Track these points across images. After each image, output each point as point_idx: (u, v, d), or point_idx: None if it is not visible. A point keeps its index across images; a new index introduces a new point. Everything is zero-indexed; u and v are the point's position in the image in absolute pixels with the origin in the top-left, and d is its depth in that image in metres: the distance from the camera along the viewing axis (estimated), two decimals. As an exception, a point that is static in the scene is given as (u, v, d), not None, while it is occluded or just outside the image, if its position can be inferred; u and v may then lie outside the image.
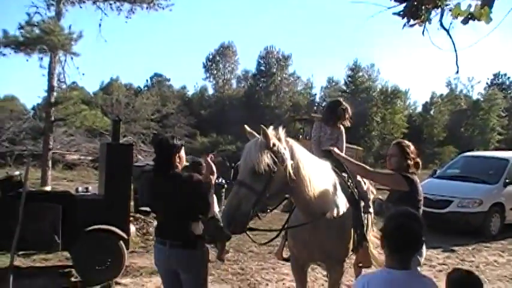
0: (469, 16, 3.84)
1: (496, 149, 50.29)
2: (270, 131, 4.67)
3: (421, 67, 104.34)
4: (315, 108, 61.07)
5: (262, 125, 4.67)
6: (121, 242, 8.11)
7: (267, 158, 4.56)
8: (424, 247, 4.74)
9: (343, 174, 5.81)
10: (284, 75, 66.56)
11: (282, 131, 4.78)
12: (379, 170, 5.72)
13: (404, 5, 3.92)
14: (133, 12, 15.95)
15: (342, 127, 6.64)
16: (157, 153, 5.04)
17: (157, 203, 5.05)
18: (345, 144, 6.59)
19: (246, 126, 4.92)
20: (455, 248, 11.59)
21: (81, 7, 16.22)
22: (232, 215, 4.36)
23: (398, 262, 3.11)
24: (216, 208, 7.93)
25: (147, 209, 12.73)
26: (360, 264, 6.27)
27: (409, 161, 5.23)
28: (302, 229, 5.17)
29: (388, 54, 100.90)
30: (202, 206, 4.89)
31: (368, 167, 5.57)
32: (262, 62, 65.77)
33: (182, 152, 5.11)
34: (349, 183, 5.78)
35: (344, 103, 6.76)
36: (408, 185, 5.05)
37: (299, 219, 5.21)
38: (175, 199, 4.77)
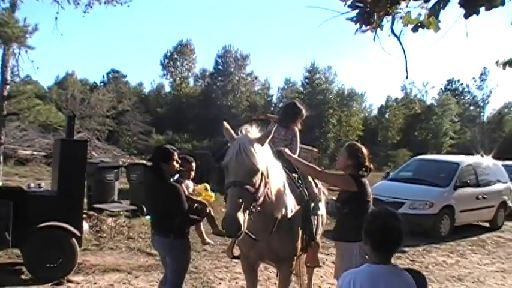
0: (419, 24, 3.96)
1: (448, 153, 51.44)
2: (251, 128, 4.77)
3: (377, 71, 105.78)
4: (272, 108, 61.24)
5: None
6: (73, 239, 8.00)
7: (262, 156, 4.65)
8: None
9: (293, 174, 5.85)
10: (242, 74, 66.70)
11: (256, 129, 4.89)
12: (329, 172, 5.81)
13: (357, 11, 4.00)
14: (91, 7, 15.66)
15: (296, 129, 6.64)
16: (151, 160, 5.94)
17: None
18: (298, 146, 6.58)
19: (225, 123, 4.94)
20: (406, 249, 11.78)
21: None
22: (238, 219, 4.36)
23: (382, 258, 3.25)
24: None
25: (100, 206, 12.65)
26: (308, 264, 6.32)
27: (358, 164, 5.31)
28: (250, 228, 5.18)
29: (345, 57, 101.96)
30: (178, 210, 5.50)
31: (318, 168, 5.66)
32: (220, 61, 65.80)
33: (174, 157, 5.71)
34: (298, 184, 5.83)
35: (299, 105, 6.82)
36: (357, 185, 5.14)
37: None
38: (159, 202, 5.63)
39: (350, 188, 5.19)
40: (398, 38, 4.14)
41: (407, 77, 4.36)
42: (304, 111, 6.74)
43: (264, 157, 4.77)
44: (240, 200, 4.41)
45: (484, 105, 74.65)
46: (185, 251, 5.74)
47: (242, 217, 4.40)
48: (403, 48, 4.14)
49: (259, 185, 4.65)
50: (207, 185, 6.59)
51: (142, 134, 51.46)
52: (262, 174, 4.69)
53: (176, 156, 5.71)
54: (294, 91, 66.07)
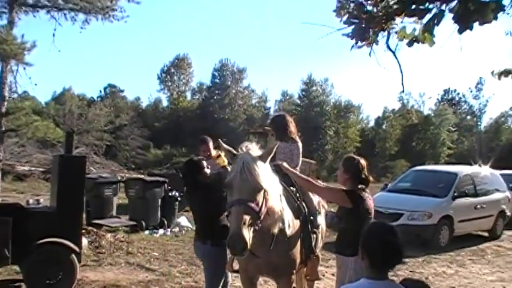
0: (414, 39, 4.01)
1: (446, 163, 51.43)
2: (251, 145, 4.81)
3: (374, 82, 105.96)
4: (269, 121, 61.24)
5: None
6: (73, 255, 7.99)
7: (265, 174, 4.71)
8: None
9: (291, 188, 5.85)
10: (239, 88, 66.77)
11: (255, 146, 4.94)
12: (325, 185, 5.78)
13: (352, 27, 4.05)
14: (88, 23, 15.72)
15: (298, 140, 6.62)
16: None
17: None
18: (300, 158, 6.58)
19: (221, 141, 4.98)
20: (406, 260, 11.73)
21: (34, 16, 15.93)
22: (244, 237, 4.38)
23: (380, 273, 3.21)
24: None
25: (99, 221, 12.64)
26: (308, 277, 6.33)
27: (355, 177, 5.29)
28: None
29: (341, 70, 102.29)
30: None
31: (315, 182, 5.62)
32: (217, 74, 65.96)
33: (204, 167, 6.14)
34: (296, 197, 5.83)
35: (287, 116, 6.86)
36: (351, 201, 5.11)
37: None
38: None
39: (345, 204, 5.19)
40: (393, 52, 4.19)
41: (403, 91, 4.43)
42: (292, 121, 6.75)
43: (266, 175, 4.82)
44: (246, 218, 4.44)
45: (481, 114, 74.90)
46: (221, 259, 5.96)
47: (248, 235, 4.43)
48: (398, 63, 4.18)
49: (263, 202, 4.68)
50: (218, 151, 6.77)
51: (140, 148, 51.45)
52: (265, 191, 4.72)
53: (205, 164, 6.15)
54: (291, 103, 66.22)
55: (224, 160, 6.39)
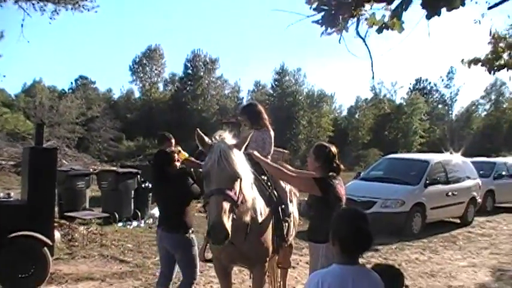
0: (383, 26, 4.03)
1: (418, 151, 52.02)
2: (225, 134, 4.84)
3: (346, 72, 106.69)
4: (242, 111, 61.20)
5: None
6: (45, 248, 7.89)
7: (241, 162, 4.71)
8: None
9: (263, 176, 5.83)
10: (211, 78, 66.68)
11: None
12: (296, 174, 5.75)
13: (322, 14, 4.05)
14: (58, 13, 15.52)
15: (270, 129, 6.57)
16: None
17: None
18: (272, 146, 6.50)
19: (198, 130, 4.93)
20: (379, 247, 11.85)
21: (1, 6, 15.73)
22: (224, 227, 4.36)
23: (350, 259, 3.23)
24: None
25: (72, 214, 12.54)
26: (280, 265, 6.34)
27: (326, 164, 5.27)
28: None
29: (313, 59, 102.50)
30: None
31: (285, 171, 5.58)
32: (189, 65, 65.68)
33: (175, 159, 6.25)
34: (268, 185, 5.83)
35: (258, 105, 6.86)
36: (321, 189, 5.09)
37: None
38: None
39: (313, 192, 5.17)
40: (363, 39, 4.21)
41: (373, 78, 4.43)
42: (262, 109, 6.76)
43: (242, 163, 4.82)
44: (226, 207, 4.43)
45: (452, 103, 76.06)
46: (193, 248, 6.14)
47: (228, 223, 4.42)
48: (368, 50, 4.20)
49: (239, 191, 4.68)
50: (179, 148, 6.87)
51: (113, 140, 51.15)
52: (240, 180, 4.72)
53: (176, 157, 6.25)
54: (264, 93, 66.26)
55: (184, 154, 6.54)
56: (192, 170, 6.37)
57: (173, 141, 7.18)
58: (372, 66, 4.32)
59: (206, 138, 4.87)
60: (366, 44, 4.21)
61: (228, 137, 4.96)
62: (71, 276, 8.71)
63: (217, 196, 4.48)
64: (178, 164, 6.26)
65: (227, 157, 4.61)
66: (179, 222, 6.01)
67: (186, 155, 6.60)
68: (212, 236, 4.45)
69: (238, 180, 4.69)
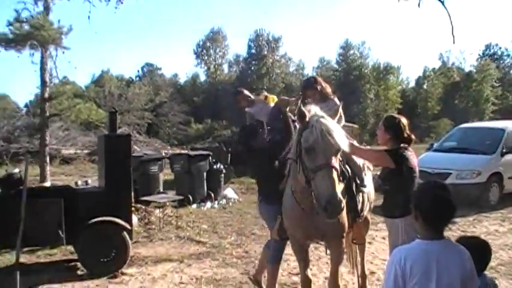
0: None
1: (491, 119, 50.41)
2: (316, 108, 4.96)
3: (412, 42, 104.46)
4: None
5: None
6: (124, 232, 8.11)
7: (342, 134, 4.76)
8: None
9: None
10: (275, 57, 66.28)
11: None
12: (366, 147, 5.65)
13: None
14: (122, 2, 15.77)
15: (335, 98, 6.53)
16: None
17: None
18: (343, 118, 6.38)
19: (301, 106, 4.91)
20: (456, 220, 11.55)
21: (68, 0, 16.08)
22: (341, 199, 4.44)
23: (435, 233, 3.13)
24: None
25: (147, 198, 12.81)
26: (355, 241, 6.28)
27: (397, 136, 5.18)
28: (294, 209, 5.26)
29: (378, 32, 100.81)
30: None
31: (356, 144, 5.50)
32: (252, 45, 65.51)
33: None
34: (340, 160, 5.75)
35: (317, 77, 6.85)
36: (394, 161, 5.00)
37: (291, 200, 5.30)
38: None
39: (387, 164, 5.09)
40: (442, 3, 4.09)
41: (454, 42, 4.30)
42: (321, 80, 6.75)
43: (341, 135, 4.78)
44: (336, 179, 4.48)
45: (525, 67, 72.98)
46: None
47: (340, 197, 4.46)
48: (448, 13, 4.08)
49: (338, 162, 4.75)
50: (265, 93, 7.21)
51: (182, 124, 51.76)
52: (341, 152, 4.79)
53: (259, 129, 6.20)
54: (329, 69, 65.66)
55: (274, 98, 6.66)
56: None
57: (246, 92, 7.37)
58: (452, 30, 4.21)
59: (307, 114, 4.83)
60: (445, 7, 4.09)
61: (320, 111, 4.92)
62: (150, 258, 8.93)
63: (328, 170, 4.50)
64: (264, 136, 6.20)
65: (330, 131, 4.60)
66: (275, 195, 5.82)
67: (275, 97, 6.68)
68: (330, 211, 4.44)
69: (339, 153, 4.74)
